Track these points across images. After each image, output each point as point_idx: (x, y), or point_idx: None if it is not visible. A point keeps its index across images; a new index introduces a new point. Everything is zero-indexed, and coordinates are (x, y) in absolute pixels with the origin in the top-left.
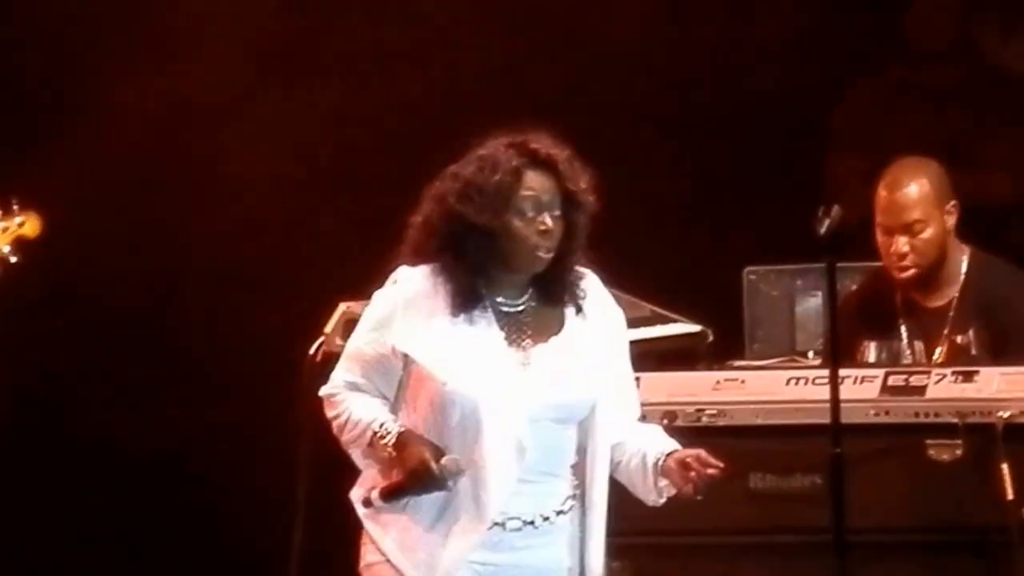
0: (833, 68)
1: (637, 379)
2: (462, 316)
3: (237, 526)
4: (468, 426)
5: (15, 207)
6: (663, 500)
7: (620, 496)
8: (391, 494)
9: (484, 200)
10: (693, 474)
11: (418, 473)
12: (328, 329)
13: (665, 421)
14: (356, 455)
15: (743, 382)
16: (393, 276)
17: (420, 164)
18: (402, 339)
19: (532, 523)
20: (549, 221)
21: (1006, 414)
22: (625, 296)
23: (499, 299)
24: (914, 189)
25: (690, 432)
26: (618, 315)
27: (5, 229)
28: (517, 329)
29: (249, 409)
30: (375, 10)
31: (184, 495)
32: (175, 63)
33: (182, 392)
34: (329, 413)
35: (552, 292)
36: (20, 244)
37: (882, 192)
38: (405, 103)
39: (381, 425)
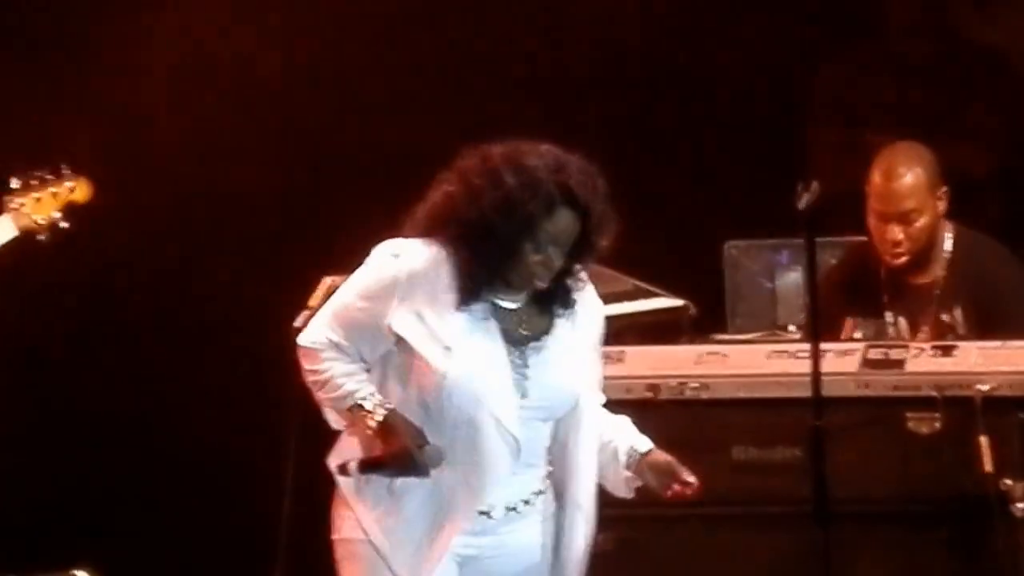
0: (813, 41)
1: (621, 352)
2: (463, 308)
3: (227, 497)
4: (464, 420)
5: (66, 171)
6: (631, 494)
7: None
8: (369, 467)
9: (515, 219)
10: (670, 492)
11: (400, 458)
12: (313, 302)
13: (649, 394)
14: (328, 413)
15: (726, 356)
16: (394, 246)
17: (400, 138)
18: (400, 321)
19: (515, 509)
20: (555, 258)
21: (985, 387)
22: (608, 270)
23: (498, 294)
24: (909, 179)
25: (673, 405)
26: (600, 314)
27: (55, 194)
28: (513, 326)
29: (235, 380)
30: None
31: (172, 466)
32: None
33: (168, 363)
34: (306, 364)
35: (547, 299)
36: (70, 209)
37: (877, 179)
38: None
39: (365, 399)
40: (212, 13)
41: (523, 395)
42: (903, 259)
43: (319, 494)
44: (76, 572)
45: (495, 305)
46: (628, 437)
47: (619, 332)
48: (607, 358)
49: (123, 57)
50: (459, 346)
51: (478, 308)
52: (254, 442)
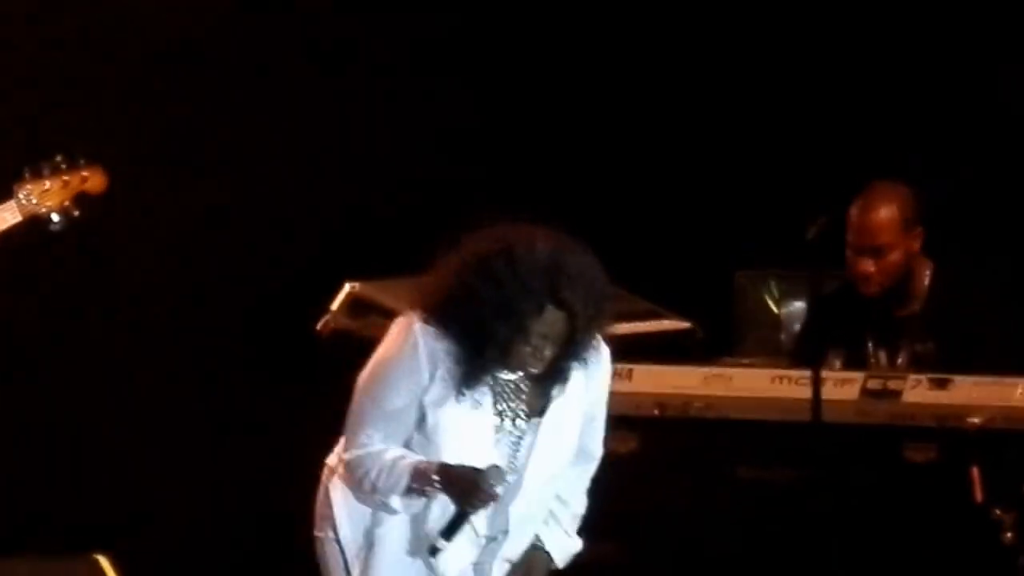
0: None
1: (630, 370)
2: (456, 393)
3: (243, 496)
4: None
5: (81, 161)
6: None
7: (617, 478)
8: (453, 530)
9: (510, 322)
10: None
11: (473, 492)
12: (334, 307)
13: (656, 411)
14: (394, 500)
15: (730, 378)
16: (410, 332)
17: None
18: (433, 401)
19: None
20: (547, 352)
21: (978, 420)
22: (623, 291)
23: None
24: (884, 214)
25: (679, 423)
26: (607, 373)
27: (66, 182)
28: (510, 401)
29: (258, 383)
30: None
31: (193, 467)
32: None
33: (183, 365)
34: (356, 474)
35: (543, 380)
36: (83, 199)
37: (853, 212)
38: None
39: (418, 463)
40: None
41: (515, 473)
42: (873, 290)
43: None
44: (95, 556)
45: (494, 378)
46: (550, 532)
47: (631, 349)
48: (616, 375)
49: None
50: (459, 430)
51: (479, 387)
52: (275, 442)
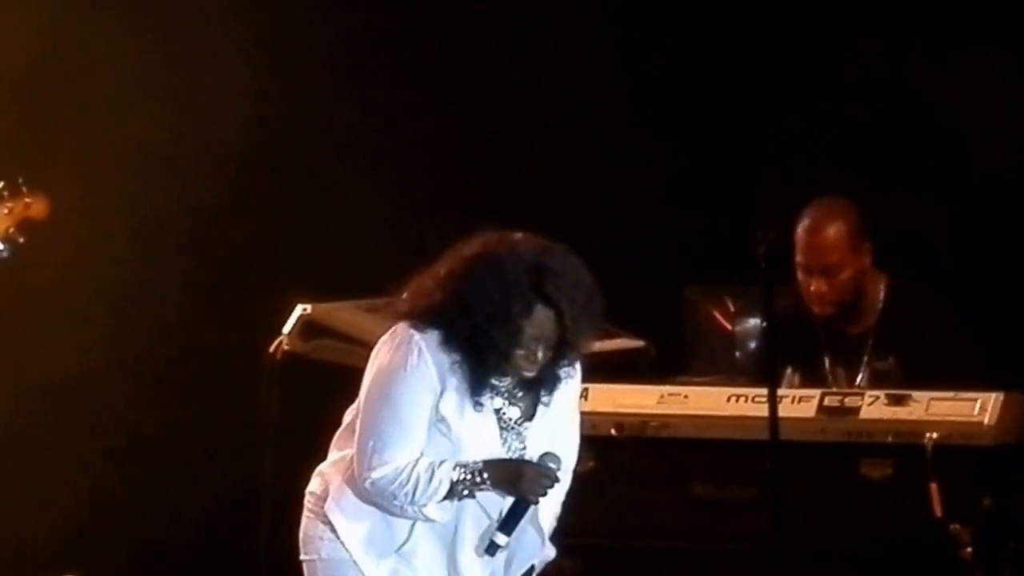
0: (773, 90)
1: (585, 390)
2: (464, 393)
3: (201, 519)
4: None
5: (23, 188)
6: None
7: (574, 498)
8: (511, 523)
9: (502, 326)
10: None
11: (534, 479)
12: (286, 329)
13: (613, 431)
14: (431, 510)
15: (686, 397)
16: (412, 343)
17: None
18: (452, 411)
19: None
20: (540, 355)
21: (935, 435)
22: None
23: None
24: (831, 233)
25: (636, 442)
26: (578, 383)
27: (11, 210)
28: (509, 406)
29: (211, 405)
30: None
31: (151, 489)
32: None
33: (144, 388)
34: (388, 490)
35: (534, 385)
36: (27, 225)
37: (801, 234)
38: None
39: (456, 468)
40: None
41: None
42: (828, 310)
43: (295, 514)
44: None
45: (493, 385)
46: None
47: (584, 370)
48: None
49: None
50: (468, 433)
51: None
52: (227, 467)
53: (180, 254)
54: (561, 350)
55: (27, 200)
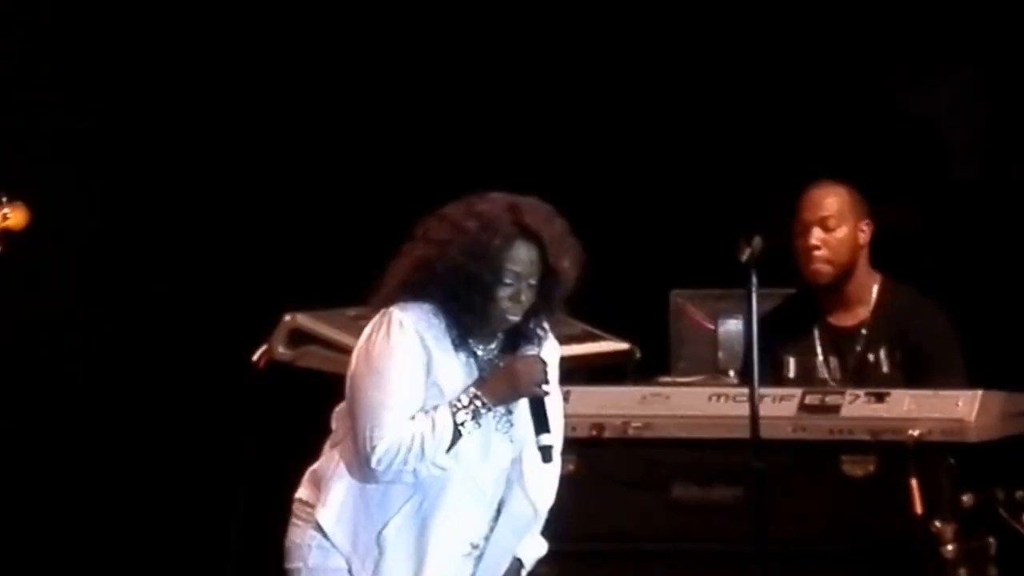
0: (758, 97)
1: (567, 392)
2: (455, 358)
3: (180, 526)
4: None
5: (2, 199)
6: None
7: (556, 500)
8: (542, 420)
9: (484, 260)
10: None
11: (528, 371)
12: (271, 337)
13: (594, 433)
14: (444, 459)
15: (668, 397)
16: (394, 319)
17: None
18: (441, 375)
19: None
20: (523, 292)
21: (916, 432)
22: (557, 314)
23: (474, 345)
24: (833, 190)
25: (618, 443)
26: (557, 357)
27: None
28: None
29: (194, 413)
30: None
31: (127, 497)
32: None
33: (122, 398)
34: (398, 457)
35: (518, 344)
36: (5, 236)
37: (803, 197)
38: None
39: (452, 407)
40: None
41: (504, 454)
42: (821, 267)
43: (275, 523)
44: None
45: (476, 355)
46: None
47: (568, 373)
48: None
49: None
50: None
51: (466, 359)
52: (208, 470)
53: (166, 261)
54: (546, 288)
55: (5, 211)
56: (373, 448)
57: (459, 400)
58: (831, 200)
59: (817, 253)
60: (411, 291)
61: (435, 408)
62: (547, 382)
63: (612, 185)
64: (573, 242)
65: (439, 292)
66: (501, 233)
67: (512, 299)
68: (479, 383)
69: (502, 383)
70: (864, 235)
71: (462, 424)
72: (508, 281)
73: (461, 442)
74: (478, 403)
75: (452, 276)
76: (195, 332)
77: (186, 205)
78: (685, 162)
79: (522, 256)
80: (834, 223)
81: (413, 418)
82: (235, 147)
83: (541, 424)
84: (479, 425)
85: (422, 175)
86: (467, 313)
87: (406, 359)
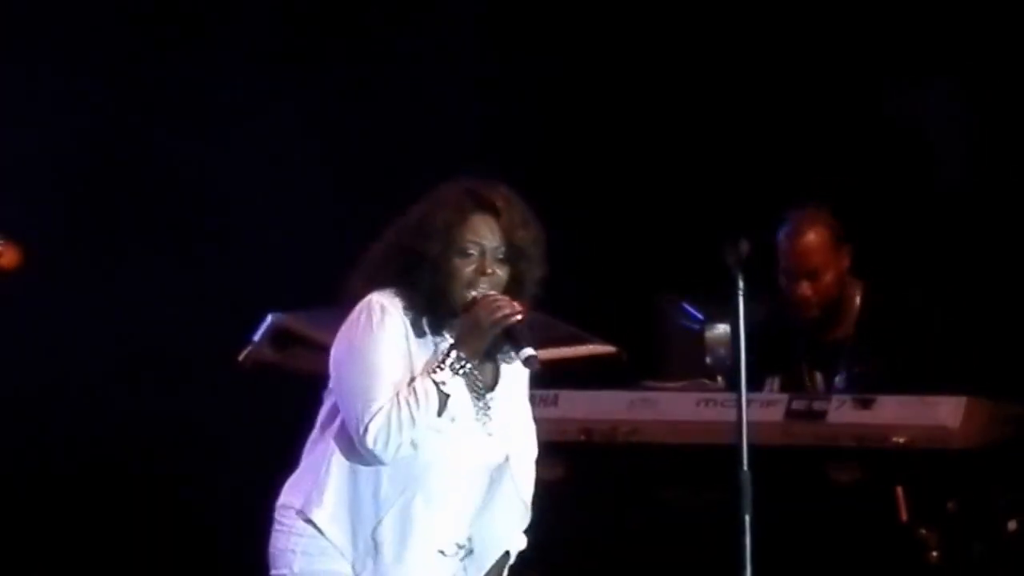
0: (746, 104)
1: (555, 396)
2: (425, 345)
3: (170, 526)
4: (429, 460)
5: None
6: None
7: (544, 505)
8: (519, 339)
9: (431, 235)
10: None
11: (493, 307)
12: (256, 337)
13: (582, 437)
14: (436, 421)
15: (656, 402)
16: (374, 304)
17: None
18: (416, 362)
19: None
20: (491, 266)
21: (902, 439)
22: (544, 316)
23: (448, 333)
24: (812, 236)
25: (606, 448)
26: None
27: None
28: (473, 376)
29: (181, 413)
30: None
31: (125, 497)
32: None
33: (111, 397)
34: (390, 429)
35: (501, 348)
36: None
37: (784, 241)
38: None
39: (432, 371)
40: None
41: (486, 451)
42: (814, 312)
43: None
44: None
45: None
46: None
47: (556, 376)
48: (541, 401)
49: None
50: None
51: (440, 348)
52: (197, 471)
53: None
54: (513, 264)
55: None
56: (367, 429)
57: (436, 364)
58: (814, 247)
59: (807, 303)
60: (376, 281)
61: (414, 378)
62: (510, 311)
63: (600, 189)
64: (533, 218)
65: (399, 278)
66: (453, 207)
67: (477, 271)
68: (449, 345)
69: (467, 330)
70: (846, 259)
71: (442, 383)
72: (471, 251)
73: (439, 437)
74: (452, 357)
75: (404, 260)
76: (183, 332)
77: (181, 205)
78: (673, 166)
79: (479, 227)
80: (821, 270)
81: (395, 394)
82: (234, 147)
83: (518, 343)
84: (461, 375)
85: (407, 174)
86: (423, 295)
87: (390, 342)
